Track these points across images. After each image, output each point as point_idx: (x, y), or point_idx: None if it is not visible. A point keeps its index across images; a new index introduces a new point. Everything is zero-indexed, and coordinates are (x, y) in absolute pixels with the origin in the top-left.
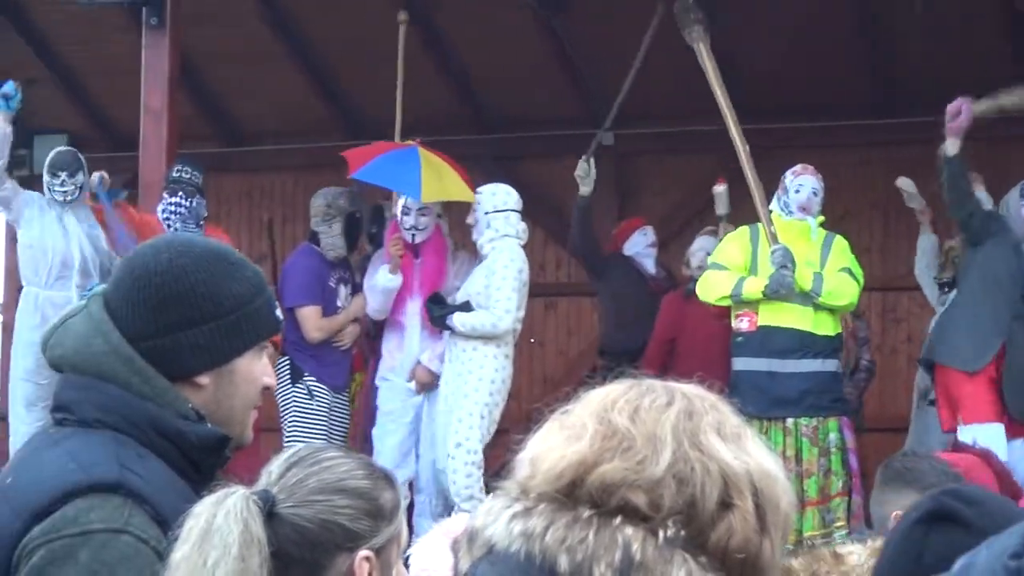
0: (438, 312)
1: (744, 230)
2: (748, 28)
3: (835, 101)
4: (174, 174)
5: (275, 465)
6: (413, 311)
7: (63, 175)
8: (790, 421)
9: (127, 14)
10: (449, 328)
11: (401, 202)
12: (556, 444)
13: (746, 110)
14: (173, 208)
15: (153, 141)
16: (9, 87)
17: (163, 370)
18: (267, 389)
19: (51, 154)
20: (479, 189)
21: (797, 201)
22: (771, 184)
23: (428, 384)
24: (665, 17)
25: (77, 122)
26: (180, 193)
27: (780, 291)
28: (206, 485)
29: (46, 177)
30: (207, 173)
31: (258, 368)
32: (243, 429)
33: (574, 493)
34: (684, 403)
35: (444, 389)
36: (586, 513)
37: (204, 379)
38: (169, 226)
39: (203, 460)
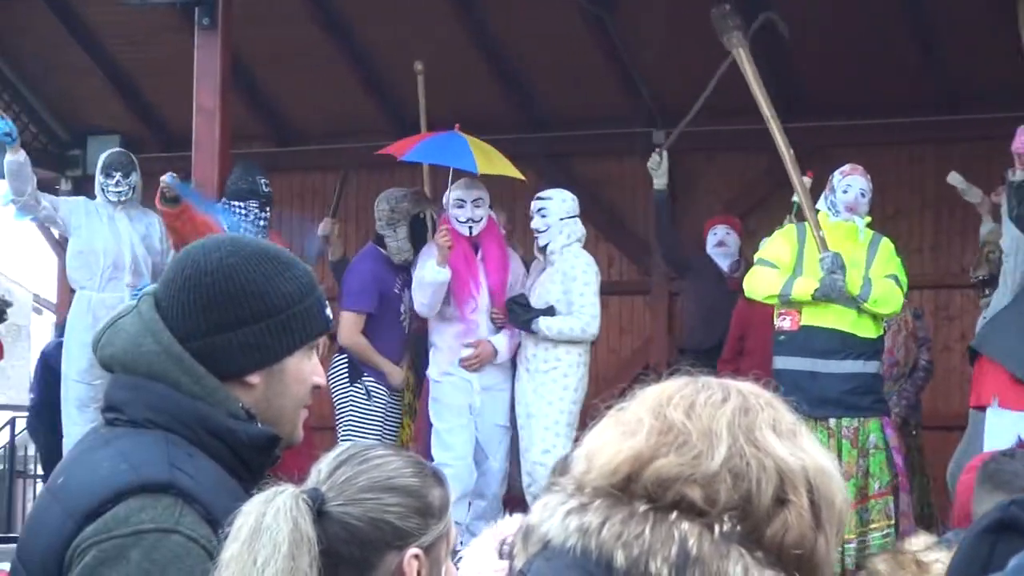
0: (523, 315)
1: (791, 228)
2: (799, 27)
3: (885, 99)
4: (264, 188)
5: (324, 464)
6: (482, 306)
7: (117, 175)
8: (833, 422)
9: (179, 14)
10: (532, 332)
11: (453, 195)
12: (612, 439)
13: (797, 109)
14: (261, 223)
15: (206, 141)
16: (5, 125)
17: (213, 369)
18: (317, 388)
19: (104, 155)
20: (547, 194)
21: (844, 201)
22: (823, 183)
23: (484, 360)
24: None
25: (130, 123)
26: (268, 207)
27: (831, 295)
28: (256, 484)
29: (100, 178)
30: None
31: (308, 367)
32: (293, 428)
33: (629, 488)
34: (739, 400)
35: (521, 394)
36: (642, 508)
37: (254, 378)
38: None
39: (253, 459)
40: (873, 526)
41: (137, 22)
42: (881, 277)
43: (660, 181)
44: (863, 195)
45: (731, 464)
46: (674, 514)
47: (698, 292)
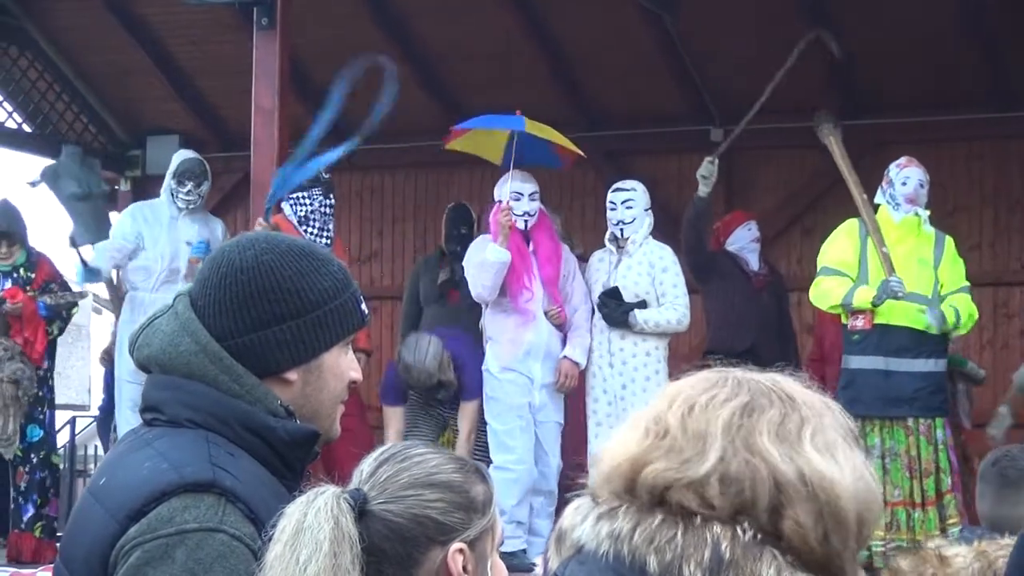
0: (619, 310)
1: (852, 225)
2: (860, 26)
3: (945, 96)
4: (324, 175)
5: (366, 464)
6: (537, 296)
7: (189, 184)
8: (911, 420)
9: (238, 14)
10: (628, 326)
11: (512, 187)
12: (615, 443)
13: (857, 106)
14: (326, 209)
15: (265, 141)
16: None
17: (251, 367)
18: (353, 384)
19: (179, 160)
20: (630, 184)
21: (904, 193)
22: (878, 178)
23: (575, 379)
24: (778, 17)
25: (189, 122)
26: (331, 194)
27: (888, 299)
28: (297, 482)
29: (172, 183)
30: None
31: (344, 362)
32: (331, 424)
33: (634, 492)
34: (745, 400)
35: (601, 389)
36: (659, 513)
37: (292, 375)
38: (312, 224)
39: (293, 457)
40: (951, 521)
41: (196, 22)
42: (954, 287)
43: (705, 189)
44: (921, 186)
45: (722, 468)
46: (698, 518)
47: (725, 293)
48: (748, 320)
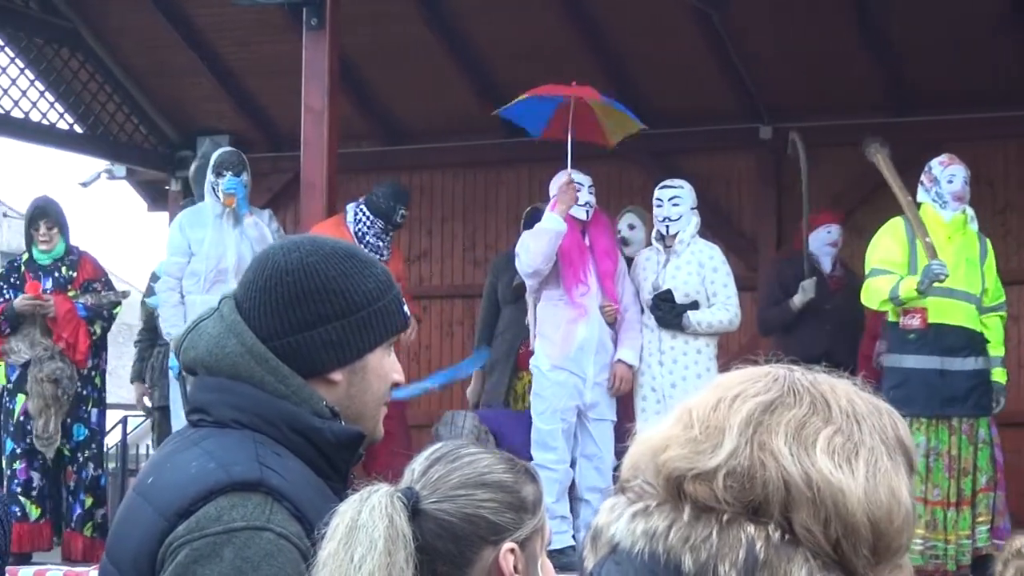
0: (671, 311)
1: (897, 224)
2: (908, 22)
3: (996, 93)
4: (398, 219)
5: (417, 463)
6: (592, 291)
7: (228, 174)
8: (954, 419)
9: (287, 14)
10: (681, 327)
11: (573, 178)
12: (649, 431)
13: (909, 104)
14: (382, 243)
15: (314, 141)
16: None
17: (296, 368)
18: (396, 385)
19: (215, 154)
20: (677, 183)
21: (952, 191)
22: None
23: (629, 384)
24: (827, 13)
25: (238, 123)
26: (390, 234)
27: (933, 286)
28: (343, 484)
29: (210, 177)
30: (366, 172)
31: (388, 364)
32: (375, 425)
33: (658, 483)
34: (772, 397)
35: (650, 388)
36: (687, 508)
37: (337, 376)
38: (364, 244)
39: (339, 458)
40: (980, 519)
41: (246, 22)
42: (995, 300)
43: (801, 299)
44: (966, 182)
45: (731, 464)
46: (726, 516)
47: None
48: (826, 322)
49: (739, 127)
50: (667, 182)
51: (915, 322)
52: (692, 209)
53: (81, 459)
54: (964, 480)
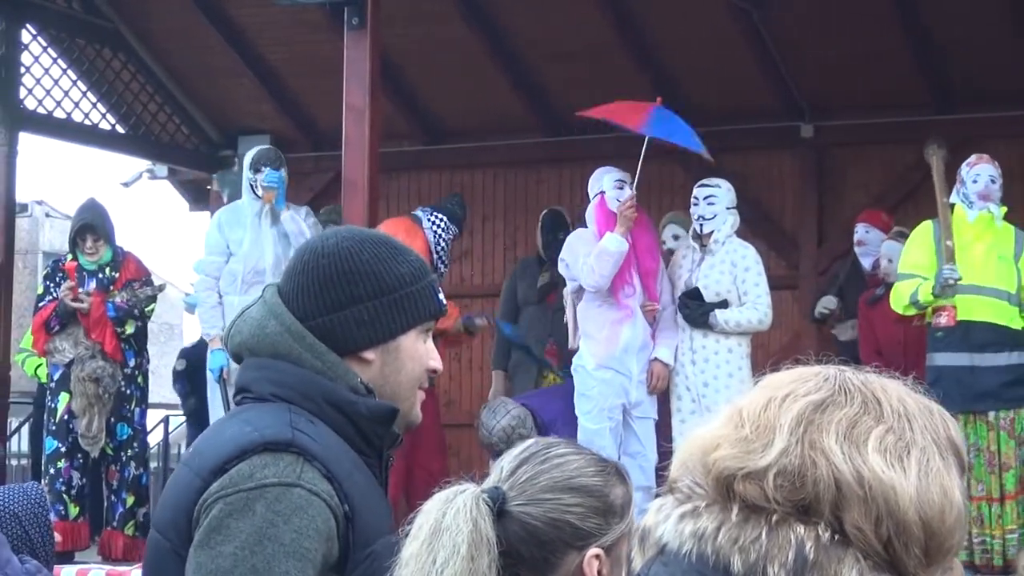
0: (699, 310)
1: (926, 228)
2: (950, 18)
3: None
4: (460, 226)
5: (506, 461)
6: (637, 293)
7: (266, 170)
8: (992, 414)
9: (328, 14)
10: (708, 326)
11: (615, 176)
12: (698, 430)
13: (949, 100)
14: (452, 234)
15: (356, 140)
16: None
17: (332, 346)
18: (434, 373)
19: (252, 152)
20: (715, 181)
21: (976, 191)
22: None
23: (665, 382)
24: (867, 10)
25: (280, 122)
26: (457, 237)
27: (946, 289)
28: (378, 460)
29: (248, 174)
30: (407, 171)
31: (423, 348)
32: (411, 406)
33: (708, 483)
34: (824, 396)
35: (684, 386)
36: (742, 510)
37: (370, 354)
38: (440, 250)
39: (373, 432)
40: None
41: (287, 22)
42: None
43: (844, 335)
44: (993, 181)
45: (782, 462)
46: (775, 516)
47: (846, 302)
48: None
49: (780, 125)
50: (704, 181)
51: (943, 320)
52: (728, 208)
53: (124, 458)
54: (1006, 475)
